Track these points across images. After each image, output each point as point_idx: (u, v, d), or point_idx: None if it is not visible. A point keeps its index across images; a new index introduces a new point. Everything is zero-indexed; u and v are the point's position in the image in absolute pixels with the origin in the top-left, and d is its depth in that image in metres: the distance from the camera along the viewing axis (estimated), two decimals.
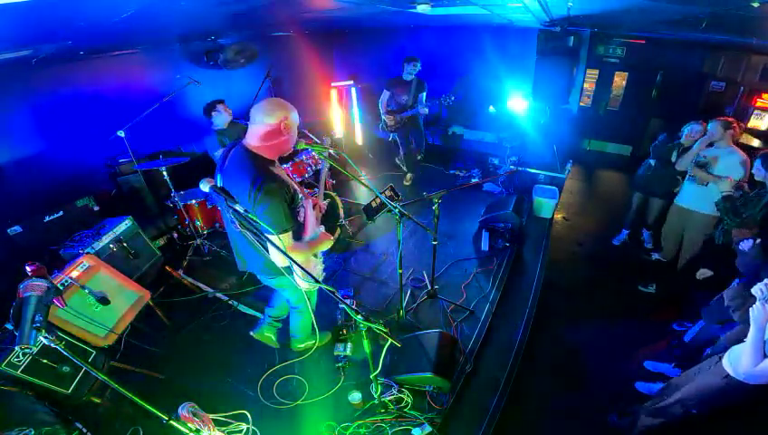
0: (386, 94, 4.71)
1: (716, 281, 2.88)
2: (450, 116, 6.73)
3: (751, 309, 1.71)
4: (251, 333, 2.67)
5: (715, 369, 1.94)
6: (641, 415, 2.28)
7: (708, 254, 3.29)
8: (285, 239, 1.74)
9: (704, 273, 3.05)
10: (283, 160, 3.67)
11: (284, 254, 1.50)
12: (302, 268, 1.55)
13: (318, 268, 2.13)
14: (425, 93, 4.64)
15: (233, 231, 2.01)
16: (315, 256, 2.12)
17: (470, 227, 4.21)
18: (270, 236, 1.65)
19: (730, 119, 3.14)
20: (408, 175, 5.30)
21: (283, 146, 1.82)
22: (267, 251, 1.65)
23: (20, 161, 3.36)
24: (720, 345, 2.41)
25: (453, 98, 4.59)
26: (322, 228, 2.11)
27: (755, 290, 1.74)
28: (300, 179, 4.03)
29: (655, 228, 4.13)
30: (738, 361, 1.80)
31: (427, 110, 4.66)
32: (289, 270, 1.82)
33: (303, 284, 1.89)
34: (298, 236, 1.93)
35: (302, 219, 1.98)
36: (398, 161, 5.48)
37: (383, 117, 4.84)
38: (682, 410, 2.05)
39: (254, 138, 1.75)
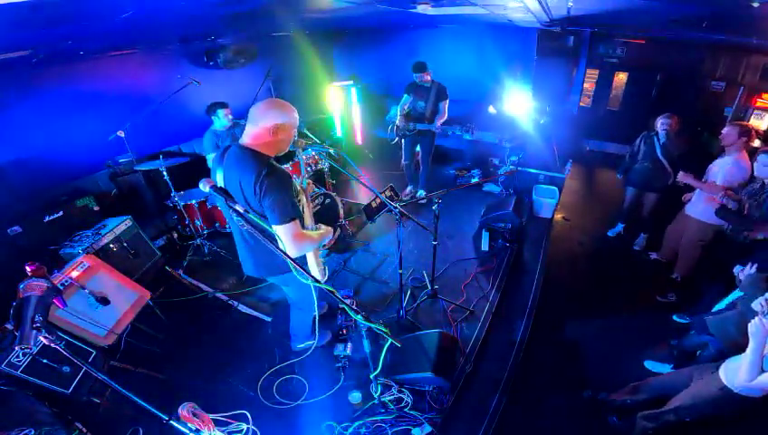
0: (407, 98, 4.30)
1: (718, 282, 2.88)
2: (450, 116, 6.72)
3: (750, 324, 1.70)
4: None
5: (710, 379, 1.95)
6: (638, 420, 2.28)
7: (706, 259, 3.31)
8: (294, 227, 1.73)
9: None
10: (282, 160, 3.67)
11: (284, 254, 1.50)
12: (301, 268, 1.55)
13: (320, 260, 2.16)
14: (447, 101, 4.25)
15: (236, 233, 2.01)
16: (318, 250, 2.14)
17: (470, 227, 4.21)
18: (276, 228, 1.66)
19: (748, 125, 3.06)
20: (409, 188, 4.98)
21: (281, 145, 1.82)
22: (274, 244, 1.65)
23: (20, 161, 3.36)
24: (709, 352, 2.41)
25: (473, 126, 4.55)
26: (322, 226, 2.13)
27: (756, 304, 1.73)
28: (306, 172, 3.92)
29: (650, 224, 4.14)
30: (735, 373, 1.81)
31: (440, 130, 4.30)
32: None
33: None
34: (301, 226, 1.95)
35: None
36: (404, 169, 5.07)
37: (396, 119, 4.43)
38: (675, 418, 2.06)
39: (252, 137, 1.75)
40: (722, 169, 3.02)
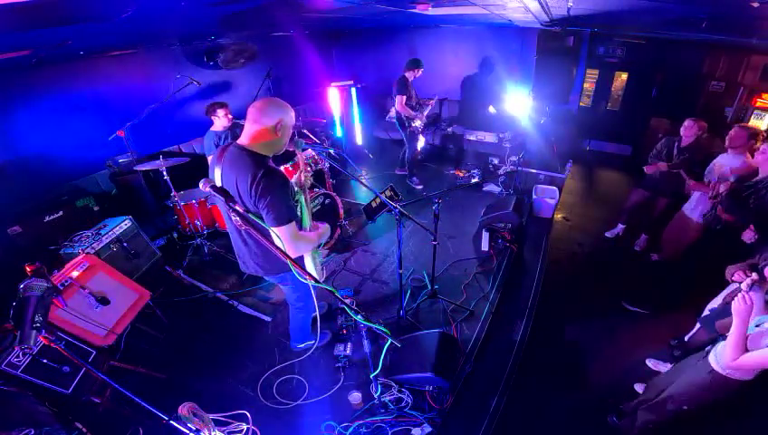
0: (403, 99, 4.62)
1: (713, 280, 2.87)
2: (450, 116, 6.74)
3: (733, 301, 1.69)
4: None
5: (701, 364, 1.95)
6: (639, 413, 2.29)
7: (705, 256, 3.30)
8: (291, 228, 1.74)
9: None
10: (282, 160, 3.67)
11: (283, 254, 1.49)
12: (301, 267, 1.54)
13: (318, 261, 2.16)
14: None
15: (234, 233, 2.01)
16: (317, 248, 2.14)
17: (470, 227, 4.21)
18: (273, 229, 1.65)
19: (756, 128, 3.03)
20: (416, 179, 5.31)
21: (278, 145, 1.82)
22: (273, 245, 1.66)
23: (20, 161, 3.37)
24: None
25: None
26: (320, 225, 2.13)
27: (744, 284, 1.73)
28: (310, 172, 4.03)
29: (655, 228, 4.13)
30: (722, 355, 1.80)
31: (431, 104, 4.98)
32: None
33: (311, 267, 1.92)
34: (299, 227, 1.95)
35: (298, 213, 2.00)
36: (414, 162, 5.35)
37: (412, 119, 4.76)
38: (674, 407, 2.05)
39: (249, 137, 1.76)
40: (730, 167, 3.00)
